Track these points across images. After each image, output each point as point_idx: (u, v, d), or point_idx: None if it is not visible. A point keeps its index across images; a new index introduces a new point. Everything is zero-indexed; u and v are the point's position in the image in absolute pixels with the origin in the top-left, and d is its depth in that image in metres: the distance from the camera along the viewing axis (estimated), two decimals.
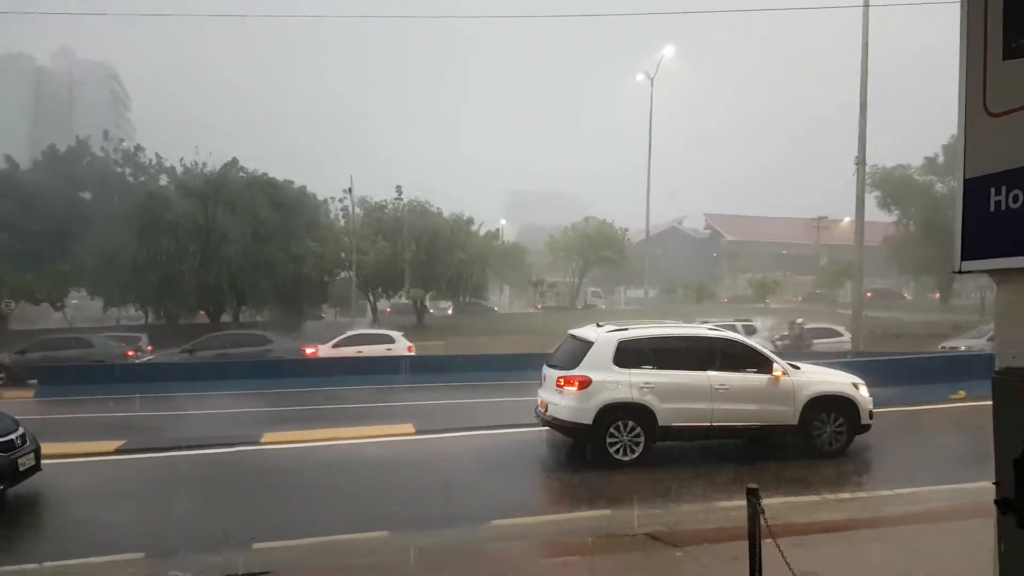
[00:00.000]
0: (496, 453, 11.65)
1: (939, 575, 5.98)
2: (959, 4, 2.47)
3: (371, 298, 41.31)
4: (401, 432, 12.82)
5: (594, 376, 10.01)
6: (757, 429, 10.44)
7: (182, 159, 40.42)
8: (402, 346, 23.94)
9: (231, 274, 34.68)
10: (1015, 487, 2.21)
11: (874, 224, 42.43)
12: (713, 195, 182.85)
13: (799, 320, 27.05)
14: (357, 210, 40.62)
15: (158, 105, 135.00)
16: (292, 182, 40.59)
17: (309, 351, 23.55)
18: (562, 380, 10.20)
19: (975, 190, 2.38)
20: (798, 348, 24.13)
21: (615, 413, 9.93)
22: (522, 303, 68.05)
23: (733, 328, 22.36)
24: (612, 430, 9.92)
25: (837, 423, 10.44)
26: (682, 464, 10.32)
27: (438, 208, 44.49)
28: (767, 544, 4.69)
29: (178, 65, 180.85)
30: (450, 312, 53.56)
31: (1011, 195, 2.26)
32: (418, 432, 12.82)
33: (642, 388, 9.98)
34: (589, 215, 59.46)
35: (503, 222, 64.14)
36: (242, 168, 40.13)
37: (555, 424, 10.52)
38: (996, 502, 2.30)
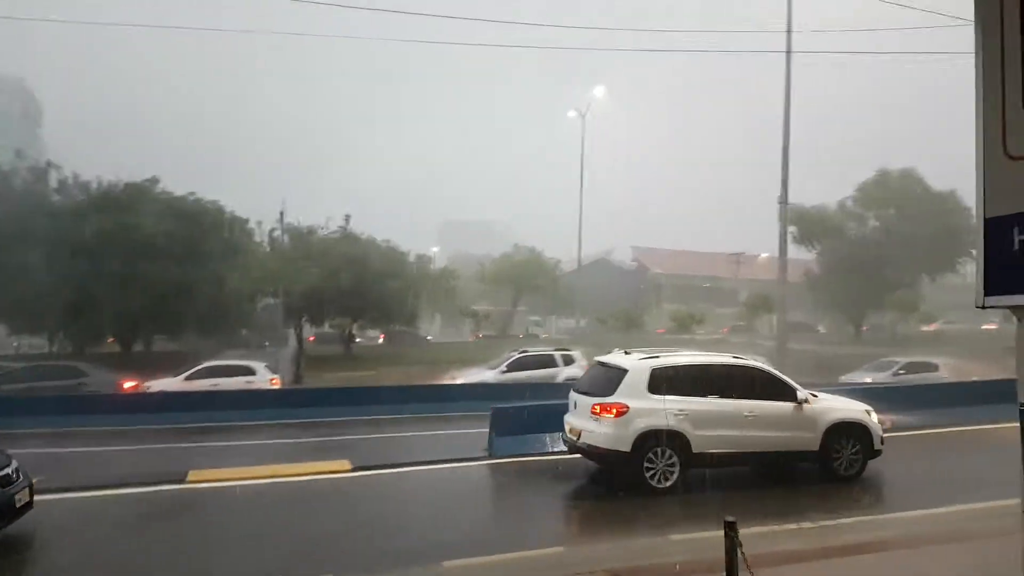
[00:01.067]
0: (443, 488, 11.45)
1: None
2: (973, 52, 2.56)
3: (297, 326, 40.16)
4: (337, 469, 12.42)
5: (631, 403, 10.18)
6: (783, 455, 10.87)
7: (97, 177, 38.57)
8: (264, 378, 22.44)
9: (148, 299, 33.16)
10: None
11: (791, 260, 44.35)
12: (641, 229, 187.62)
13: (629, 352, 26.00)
14: (284, 236, 39.53)
15: (73, 120, 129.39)
16: (217, 203, 39.37)
17: (128, 385, 21.77)
18: (598, 407, 10.34)
19: (997, 229, 2.47)
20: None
21: (652, 440, 10.11)
22: (452, 332, 67.64)
23: (551, 358, 22.97)
24: (650, 457, 10.09)
25: (854, 449, 10.89)
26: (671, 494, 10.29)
27: (370, 235, 43.89)
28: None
29: (94, 77, 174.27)
30: (380, 341, 52.73)
31: None
32: (356, 468, 12.43)
33: (676, 415, 10.19)
34: (519, 244, 59.90)
35: (435, 250, 63.95)
36: (162, 187, 38.65)
37: (590, 451, 10.65)
38: None
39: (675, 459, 10.12)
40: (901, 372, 24.79)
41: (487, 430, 13.62)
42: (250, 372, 22.46)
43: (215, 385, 21.28)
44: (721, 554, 4.66)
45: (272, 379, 22.69)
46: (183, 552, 8.39)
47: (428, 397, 20.30)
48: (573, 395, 11.29)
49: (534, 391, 18.16)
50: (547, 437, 13.29)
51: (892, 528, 8.61)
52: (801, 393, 10.81)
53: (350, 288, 39.50)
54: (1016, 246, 2.39)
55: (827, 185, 61.94)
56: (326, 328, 45.78)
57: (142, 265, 33.08)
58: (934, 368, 25.81)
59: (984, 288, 2.54)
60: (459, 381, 23.18)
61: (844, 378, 24.78)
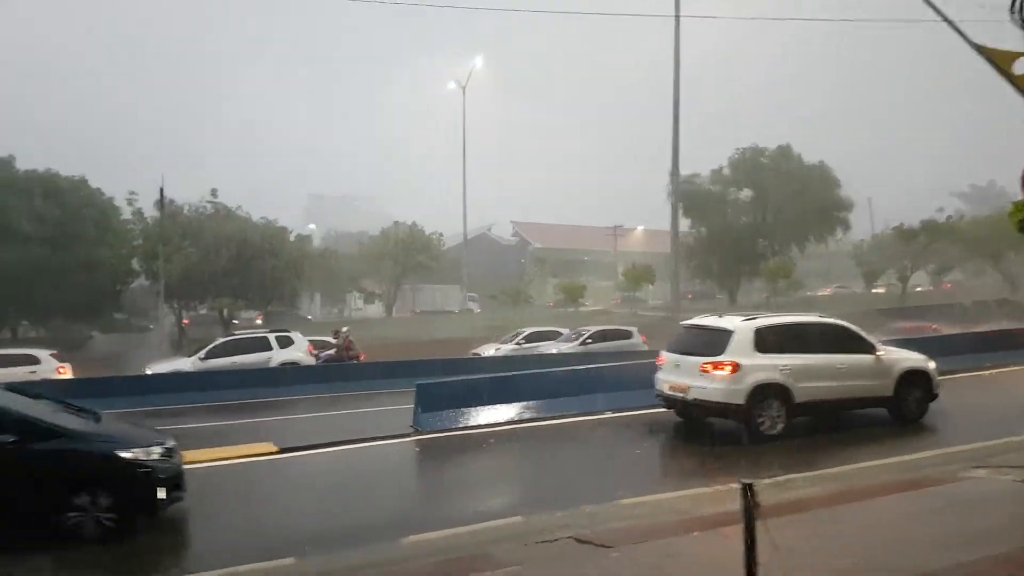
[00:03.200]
0: (371, 467, 11.20)
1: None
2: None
3: (175, 308, 37.92)
4: (262, 451, 11.83)
5: (742, 361, 11.11)
6: (867, 401, 12.15)
7: None
8: (49, 368, 20.18)
9: (8, 283, 30.27)
10: None
11: (666, 232, 46.14)
12: (522, 203, 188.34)
13: (344, 329, 24.08)
14: (155, 213, 36.95)
15: None
16: (83, 179, 36.33)
17: None
18: (709, 365, 11.21)
19: None
20: (341, 359, 22.09)
21: (762, 393, 11.10)
22: (333, 312, 65.91)
23: (264, 341, 21.31)
24: (760, 408, 11.08)
25: (919, 393, 12.19)
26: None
27: (246, 212, 41.93)
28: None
29: None
30: (258, 322, 50.59)
31: None
32: (283, 450, 11.87)
33: (782, 370, 11.22)
34: (397, 220, 58.84)
35: (312, 227, 61.83)
36: (14, 165, 35.27)
37: (700, 405, 11.59)
38: None
39: (782, 410, 11.18)
40: (589, 341, 26.08)
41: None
42: (34, 361, 20.27)
43: None
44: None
45: (60, 368, 20.58)
46: None
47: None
48: (670, 355, 12.20)
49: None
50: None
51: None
52: (878, 347, 12.14)
53: (229, 267, 37.72)
54: None
55: (702, 153, 64.22)
56: (202, 311, 43.51)
57: (3, 248, 30.27)
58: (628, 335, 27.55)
59: None
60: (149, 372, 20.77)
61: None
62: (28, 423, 7.68)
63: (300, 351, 21.29)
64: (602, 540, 6.95)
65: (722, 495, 7.63)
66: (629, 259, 59.86)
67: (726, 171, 49.76)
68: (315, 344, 22.87)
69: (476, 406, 13.42)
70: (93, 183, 37.53)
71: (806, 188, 46.77)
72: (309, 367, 21.08)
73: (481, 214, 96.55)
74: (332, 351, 22.48)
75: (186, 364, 20.63)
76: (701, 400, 11.47)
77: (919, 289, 53.87)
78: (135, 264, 36.22)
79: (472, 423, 13.26)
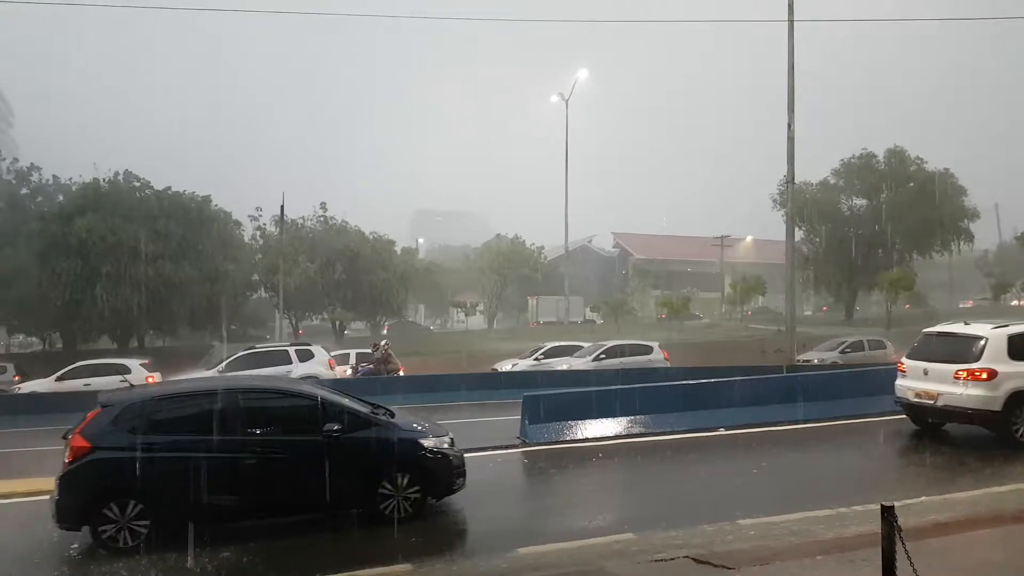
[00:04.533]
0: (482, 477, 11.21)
1: None
2: None
3: (292, 319, 39.68)
4: None
5: (998, 368, 11.13)
6: None
7: (75, 176, 37.65)
8: (139, 376, 20.51)
9: (141, 296, 32.53)
10: None
11: (776, 242, 44.36)
12: (623, 214, 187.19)
13: (383, 342, 23.36)
14: (272, 229, 38.86)
15: (42, 117, 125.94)
16: (208, 197, 38.61)
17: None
18: (964, 372, 11.24)
19: None
20: (379, 372, 21.60)
21: (1018, 400, 11.04)
22: (437, 322, 67.25)
23: (284, 354, 20.99)
24: (1015, 414, 11.02)
25: None
26: None
27: (356, 226, 43.45)
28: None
29: (60, 71, 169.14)
30: (385, 332, 52.32)
31: None
32: None
33: None
34: (499, 233, 59.50)
35: (420, 240, 63.36)
36: (142, 181, 37.78)
37: (951, 411, 11.51)
38: None
39: None
40: (603, 357, 25.24)
41: None
42: (125, 371, 20.76)
43: (87, 385, 20.07)
44: None
45: (148, 377, 20.99)
46: None
47: None
48: (915, 363, 12.14)
49: None
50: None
51: None
52: None
53: (342, 280, 39.18)
54: None
55: (808, 162, 61.78)
56: (315, 322, 45.36)
57: (138, 264, 32.60)
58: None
59: None
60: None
61: (801, 356, 25.73)
62: (351, 414, 8.55)
63: (320, 365, 20.94)
64: (722, 561, 6.70)
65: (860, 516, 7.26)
66: (736, 270, 58.23)
67: (832, 179, 47.58)
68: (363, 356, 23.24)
69: (584, 419, 13.33)
70: (217, 200, 39.86)
71: (926, 194, 44.06)
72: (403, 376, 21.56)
73: (584, 226, 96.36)
74: (371, 364, 22.15)
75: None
76: (953, 407, 11.43)
77: None
78: (256, 277, 38.02)
79: (580, 436, 13.13)
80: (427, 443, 8.69)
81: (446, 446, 8.82)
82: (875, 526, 4.60)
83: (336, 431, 8.18)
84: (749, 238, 71.29)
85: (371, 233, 43.08)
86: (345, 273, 38.88)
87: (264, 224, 39.43)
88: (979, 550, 6.91)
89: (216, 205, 38.97)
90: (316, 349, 21.73)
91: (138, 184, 37.27)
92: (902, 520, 4.55)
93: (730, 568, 6.54)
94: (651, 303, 57.72)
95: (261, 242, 39.54)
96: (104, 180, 36.91)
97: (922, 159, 46.32)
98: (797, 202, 44.57)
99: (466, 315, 52.32)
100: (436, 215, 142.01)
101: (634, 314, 50.83)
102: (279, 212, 36.40)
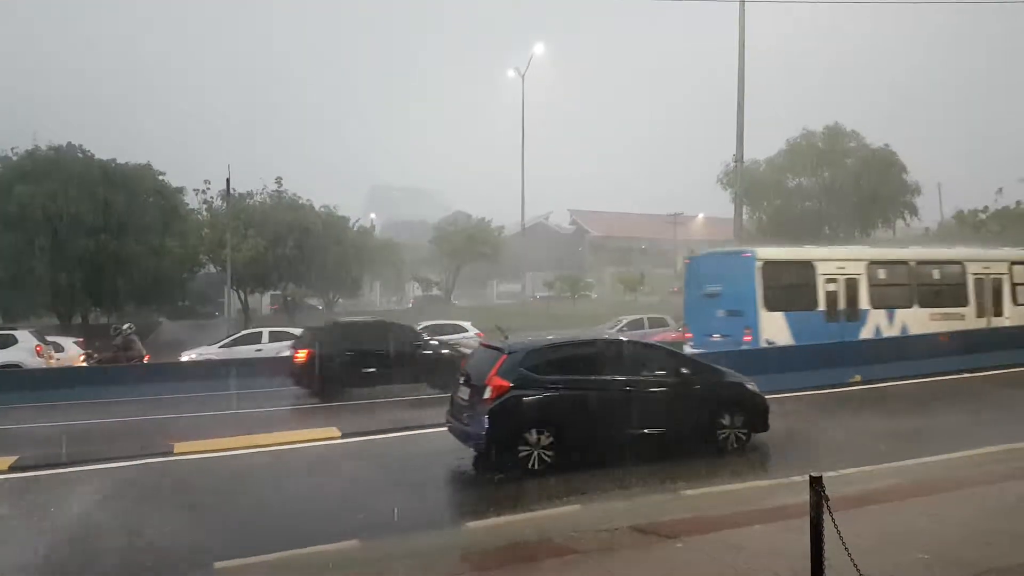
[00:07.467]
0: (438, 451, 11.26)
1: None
2: None
3: (241, 296, 38.87)
4: (325, 436, 12.08)
5: None
6: None
7: (14, 148, 36.01)
8: (30, 345, 19.45)
9: (76, 270, 31.61)
10: None
11: (727, 220, 44.94)
12: (577, 191, 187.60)
13: (125, 326, 21.00)
14: (220, 203, 37.84)
15: None
16: (150, 166, 37.39)
17: None
18: None
19: None
20: (117, 360, 19.90)
21: None
22: (394, 300, 66.76)
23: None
24: None
25: None
26: None
27: (308, 200, 42.65)
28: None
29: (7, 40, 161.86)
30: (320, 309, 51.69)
31: None
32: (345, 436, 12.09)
33: None
34: (457, 210, 59.10)
35: (373, 216, 62.60)
36: (85, 151, 36.41)
37: None
38: None
39: None
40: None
41: None
42: (58, 349, 20.46)
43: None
44: None
45: (81, 355, 20.72)
46: None
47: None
48: None
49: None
50: None
51: None
52: None
53: (293, 255, 38.51)
54: None
55: (763, 140, 62.42)
56: (265, 297, 44.63)
57: (75, 237, 31.49)
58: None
59: None
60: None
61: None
62: (694, 362, 10.81)
63: (26, 352, 19.70)
64: (666, 531, 6.85)
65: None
66: (690, 247, 58.84)
67: (777, 159, 48.21)
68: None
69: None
70: (171, 177, 38.67)
71: (868, 170, 44.78)
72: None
73: (540, 203, 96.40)
74: (109, 352, 20.66)
75: (211, 352, 22.12)
76: None
77: None
78: (201, 253, 37.16)
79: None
80: (750, 387, 10.54)
81: (758, 390, 10.55)
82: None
83: (687, 373, 10.13)
84: (701, 216, 72.17)
85: (322, 207, 42.36)
86: (297, 248, 38.23)
87: (211, 198, 38.29)
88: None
89: (164, 177, 37.93)
90: (21, 335, 20.29)
91: (82, 156, 35.98)
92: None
93: (672, 538, 6.71)
94: (607, 279, 58.12)
95: (208, 216, 38.46)
96: (47, 148, 35.52)
97: (859, 134, 47.00)
98: (744, 181, 45.46)
99: (423, 291, 51.89)
100: (393, 190, 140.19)
101: (589, 291, 51.06)
102: (220, 187, 35.50)
